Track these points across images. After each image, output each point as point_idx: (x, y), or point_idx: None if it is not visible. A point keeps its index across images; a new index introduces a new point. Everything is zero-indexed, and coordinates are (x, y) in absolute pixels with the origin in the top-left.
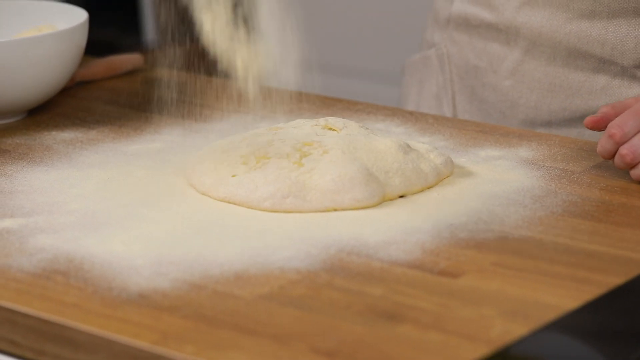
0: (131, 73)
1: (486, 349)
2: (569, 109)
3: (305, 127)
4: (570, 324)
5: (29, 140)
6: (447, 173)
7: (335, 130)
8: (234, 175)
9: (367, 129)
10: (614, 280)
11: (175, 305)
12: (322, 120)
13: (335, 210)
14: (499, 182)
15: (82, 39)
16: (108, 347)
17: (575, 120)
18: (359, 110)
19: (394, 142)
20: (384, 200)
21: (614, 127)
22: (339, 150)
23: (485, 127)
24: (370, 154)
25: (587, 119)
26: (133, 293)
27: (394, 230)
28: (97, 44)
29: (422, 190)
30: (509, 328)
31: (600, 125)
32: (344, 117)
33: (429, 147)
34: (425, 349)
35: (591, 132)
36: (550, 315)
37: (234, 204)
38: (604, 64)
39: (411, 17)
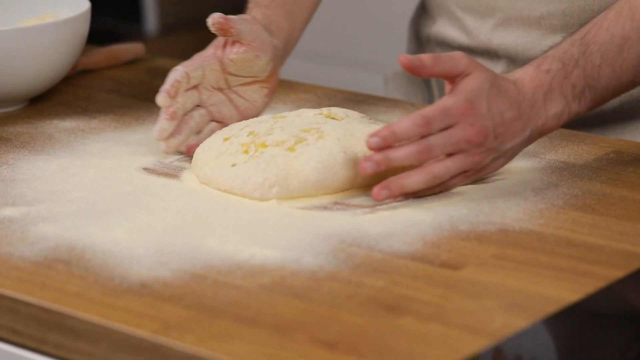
0: (133, 62)
1: (487, 341)
2: None
3: (307, 116)
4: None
5: (30, 128)
6: None
7: (337, 119)
8: (233, 165)
9: (369, 118)
10: (615, 273)
11: (177, 295)
12: (325, 110)
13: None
14: (500, 174)
15: (84, 28)
16: (109, 336)
17: (562, 126)
18: (360, 101)
19: None
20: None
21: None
22: (334, 136)
23: None
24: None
25: (402, 58)
26: (134, 282)
27: (395, 222)
28: (98, 33)
29: None
30: (510, 320)
31: (412, 70)
32: (346, 108)
33: None
34: (426, 341)
35: (585, 127)
36: (551, 307)
37: (233, 194)
38: None
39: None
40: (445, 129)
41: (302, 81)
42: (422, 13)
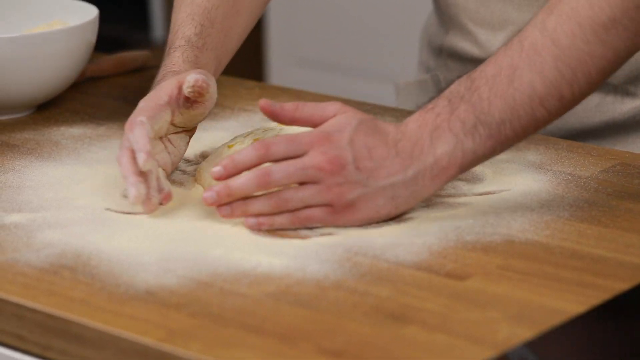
0: (140, 70)
1: (492, 352)
2: (564, 129)
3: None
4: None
5: (37, 135)
6: None
7: None
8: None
9: None
10: (620, 285)
11: (182, 303)
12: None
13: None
14: (506, 185)
15: (92, 36)
16: (115, 343)
17: (571, 137)
18: (368, 111)
19: None
20: None
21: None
22: None
23: None
24: None
25: (262, 102)
26: (140, 289)
27: (401, 232)
28: (106, 41)
29: None
30: (515, 331)
31: (270, 115)
32: None
33: None
34: (431, 351)
35: (596, 138)
36: (556, 319)
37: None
38: None
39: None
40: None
41: (310, 90)
42: (435, 23)
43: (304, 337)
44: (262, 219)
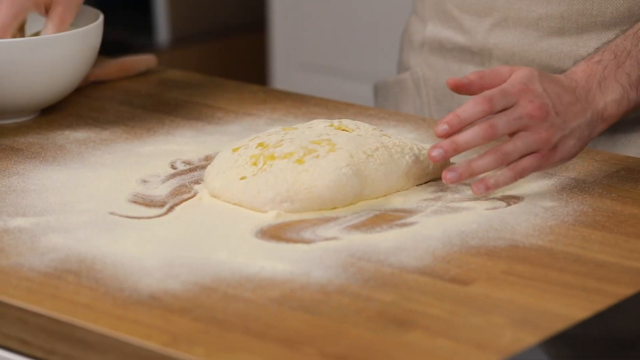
0: (144, 74)
1: (496, 357)
2: None
3: (318, 127)
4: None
5: (41, 139)
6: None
7: (348, 130)
8: (242, 177)
9: (380, 130)
10: (624, 290)
11: (186, 307)
12: (336, 122)
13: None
14: (510, 190)
15: (96, 40)
16: (118, 348)
17: None
18: (371, 115)
19: (405, 142)
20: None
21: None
22: (346, 151)
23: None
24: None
25: (450, 79)
26: (144, 294)
27: (405, 237)
28: (111, 45)
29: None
30: (519, 337)
31: (460, 89)
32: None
33: None
34: (435, 356)
35: (609, 144)
36: (560, 325)
37: (242, 207)
38: None
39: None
40: (505, 110)
41: (314, 94)
42: (414, 21)
43: (307, 342)
44: (489, 182)
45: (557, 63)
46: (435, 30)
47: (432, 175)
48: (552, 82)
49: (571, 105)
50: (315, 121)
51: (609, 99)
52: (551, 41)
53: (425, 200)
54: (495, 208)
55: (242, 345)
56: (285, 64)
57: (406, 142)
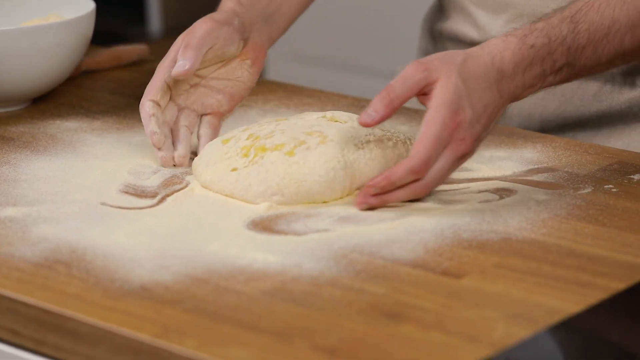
0: (136, 63)
1: (488, 351)
2: (561, 116)
3: (310, 119)
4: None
5: (33, 128)
6: None
7: (340, 122)
8: (233, 169)
9: None
10: (617, 284)
11: (177, 299)
12: (328, 113)
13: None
14: (503, 183)
15: (88, 29)
16: (109, 339)
17: (567, 126)
18: (363, 106)
19: (398, 135)
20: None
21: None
22: (337, 143)
23: None
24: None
25: (361, 120)
26: (135, 285)
27: (397, 229)
28: (103, 34)
29: None
30: (512, 331)
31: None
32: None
33: None
34: (427, 349)
35: (590, 134)
36: (553, 318)
37: (234, 198)
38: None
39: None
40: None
41: (307, 86)
42: (437, 10)
43: (298, 335)
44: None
45: None
46: (455, 24)
47: None
48: (477, 83)
49: (496, 110)
50: (306, 113)
51: (528, 84)
52: None
53: None
54: (488, 201)
55: (233, 337)
56: (278, 55)
57: (398, 135)
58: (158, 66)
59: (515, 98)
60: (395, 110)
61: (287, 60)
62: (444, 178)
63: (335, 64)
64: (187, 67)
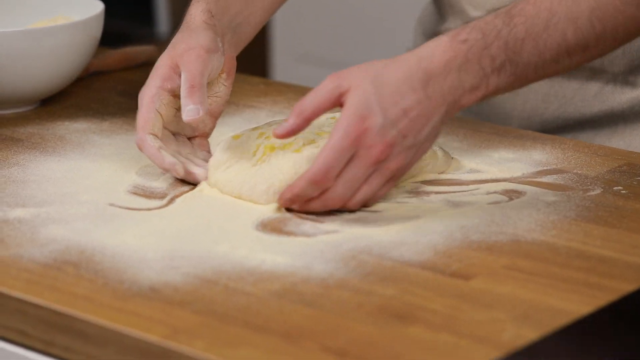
0: (145, 64)
1: (497, 353)
2: (562, 117)
3: (320, 119)
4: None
5: (42, 130)
6: (444, 168)
7: None
8: (242, 169)
9: None
10: (627, 286)
11: (187, 300)
12: (338, 114)
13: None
14: (512, 184)
15: (97, 30)
16: (118, 340)
17: (568, 127)
18: None
19: None
20: None
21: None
22: None
23: (499, 129)
24: None
25: (277, 133)
26: (144, 286)
27: (406, 231)
28: (111, 35)
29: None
30: (521, 332)
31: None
32: None
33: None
34: (436, 351)
35: (591, 135)
36: (562, 320)
37: (242, 199)
38: (595, 72)
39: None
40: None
41: (314, 86)
42: (431, 12)
43: (307, 336)
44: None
45: None
46: (451, 26)
47: (432, 170)
48: (396, 87)
49: (420, 112)
50: None
51: (467, 85)
52: None
53: (426, 193)
54: (497, 202)
55: (242, 339)
56: (286, 56)
57: None
58: (142, 94)
59: (456, 102)
60: (308, 120)
61: (295, 61)
62: (368, 189)
63: (342, 65)
64: (201, 112)
